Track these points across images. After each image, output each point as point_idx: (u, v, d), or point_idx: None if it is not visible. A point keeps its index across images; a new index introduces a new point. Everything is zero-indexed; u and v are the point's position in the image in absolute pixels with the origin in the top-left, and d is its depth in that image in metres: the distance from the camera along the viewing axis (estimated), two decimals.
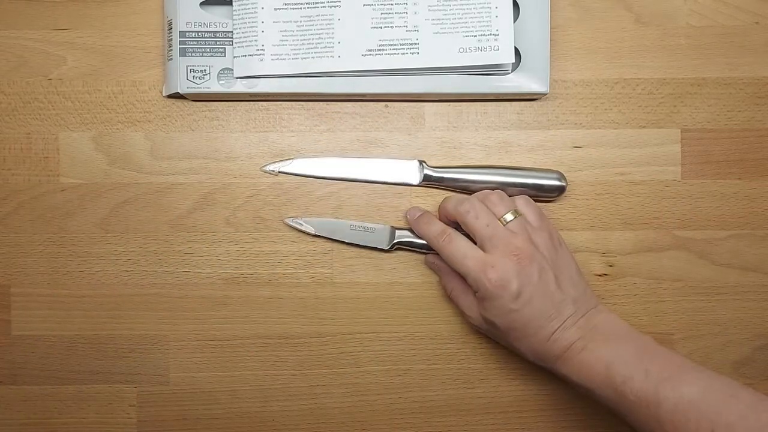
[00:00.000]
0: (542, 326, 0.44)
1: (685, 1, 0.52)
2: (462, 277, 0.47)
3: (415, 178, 0.52)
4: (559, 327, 0.44)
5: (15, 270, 0.52)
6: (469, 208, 0.46)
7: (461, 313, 0.49)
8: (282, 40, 0.49)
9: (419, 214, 0.50)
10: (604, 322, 0.45)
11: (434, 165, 0.52)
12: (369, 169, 0.52)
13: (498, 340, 0.49)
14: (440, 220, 0.49)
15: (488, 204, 0.47)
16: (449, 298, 0.51)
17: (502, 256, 0.44)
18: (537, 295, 0.44)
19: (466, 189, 0.51)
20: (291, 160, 0.52)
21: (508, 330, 0.45)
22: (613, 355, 0.42)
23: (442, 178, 0.51)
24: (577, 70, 0.52)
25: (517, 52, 0.49)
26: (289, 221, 0.52)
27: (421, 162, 0.51)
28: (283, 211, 0.52)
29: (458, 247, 0.46)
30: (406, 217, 0.51)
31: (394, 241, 0.51)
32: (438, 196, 0.52)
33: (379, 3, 0.49)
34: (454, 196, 0.49)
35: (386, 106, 0.52)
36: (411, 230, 0.51)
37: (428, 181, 0.51)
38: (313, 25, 0.49)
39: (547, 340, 0.44)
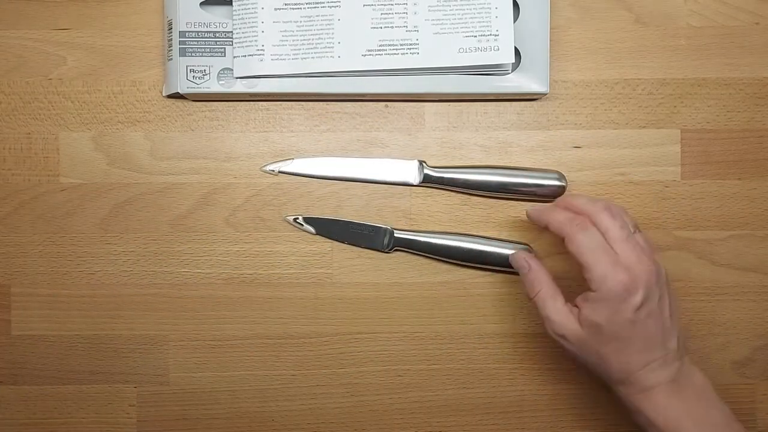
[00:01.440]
0: (646, 349, 0.43)
1: (685, 1, 0.52)
2: (551, 281, 0.46)
3: (415, 179, 0.51)
4: (660, 357, 0.43)
5: (15, 270, 0.52)
6: (606, 207, 0.44)
7: (545, 319, 0.45)
8: (282, 40, 0.49)
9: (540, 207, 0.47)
10: (699, 377, 0.44)
11: (434, 165, 0.52)
12: (369, 169, 0.52)
13: (579, 353, 0.45)
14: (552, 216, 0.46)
15: (616, 211, 0.44)
16: (530, 300, 0.47)
17: (636, 263, 0.42)
18: (654, 316, 0.42)
19: (466, 189, 0.51)
20: (291, 160, 0.51)
21: (610, 339, 0.43)
22: (701, 417, 0.42)
23: (442, 178, 0.51)
24: (577, 71, 0.52)
25: (517, 53, 0.49)
26: (290, 220, 0.52)
27: (421, 162, 0.51)
28: (283, 211, 0.52)
29: (593, 236, 0.43)
30: (527, 212, 0.47)
31: (394, 242, 0.51)
32: (438, 196, 0.52)
33: (379, 3, 0.49)
34: (582, 194, 0.48)
35: (386, 106, 0.52)
36: (411, 230, 0.51)
37: (428, 182, 0.51)
38: (313, 25, 0.49)
39: (645, 366, 0.43)
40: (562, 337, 0.45)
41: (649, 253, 0.43)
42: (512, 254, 0.49)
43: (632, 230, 0.44)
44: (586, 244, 0.43)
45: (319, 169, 0.52)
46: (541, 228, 0.47)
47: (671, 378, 0.43)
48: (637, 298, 0.42)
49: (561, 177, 0.50)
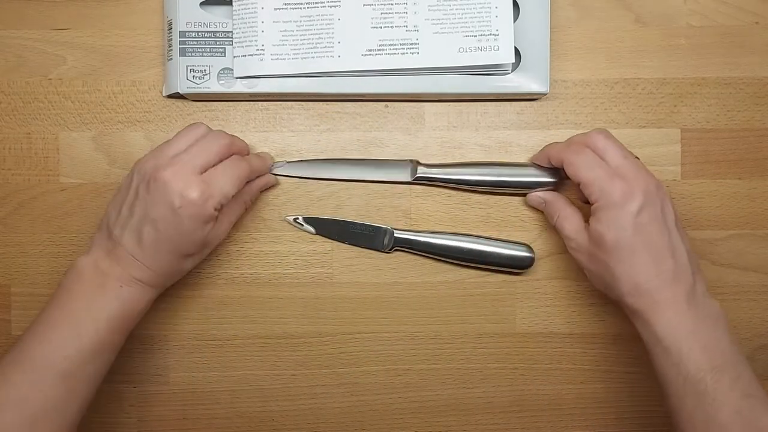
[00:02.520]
0: (654, 259, 0.43)
1: (685, 1, 0.52)
2: (568, 205, 0.48)
3: (407, 177, 0.51)
4: (670, 269, 0.43)
5: (15, 270, 0.52)
6: (602, 132, 0.46)
7: (565, 239, 0.48)
8: (282, 40, 0.49)
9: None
10: (716, 307, 0.43)
11: (429, 163, 0.51)
12: (361, 171, 0.52)
13: (593, 268, 0.46)
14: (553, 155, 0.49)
15: (611, 136, 0.46)
16: (554, 227, 0.49)
17: (634, 173, 0.43)
18: (657, 223, 0.43)
19: (461, 186, 0.51)
20: (283, 162, 0.52)
21: (614, 247, 0.43)
22: (711, 344, 0.41)
23: (435, 178, 0.51)
24: (576, 70, 0.52)
25: (516, 52, 0.49)
26: (290, 220, 0.52)
27: (413, 161, 0.51)
28: (283, 211, 0.52)
29: (589, 157, 0.45)
30: (530, 160, 0.51)
31: (394, 242, 0.51)
32: (438, 196, 0.52)
33: (379, 3, 0.49)
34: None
35: (386, 106, 0.52)
36: (411, 230, 0.51)
37: (421, 181, 0.51)
38: (313, 25, 0.49)
39: (655, 277, 0.42)
40: (577, 251, 0.47)
41: (646, 170, 0.45)
42: (528, 196, 0.51)
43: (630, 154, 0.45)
44: (582, 162, 0.45)
45: (312, 171, 0.52)
46: (544, 164, 0.50)
47: (685, 297, 0.42)
48: (636, 202, 0.43)
49: (556, 173, 0.50)
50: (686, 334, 0.41)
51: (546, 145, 0.50)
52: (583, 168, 0.45)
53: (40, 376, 0.40)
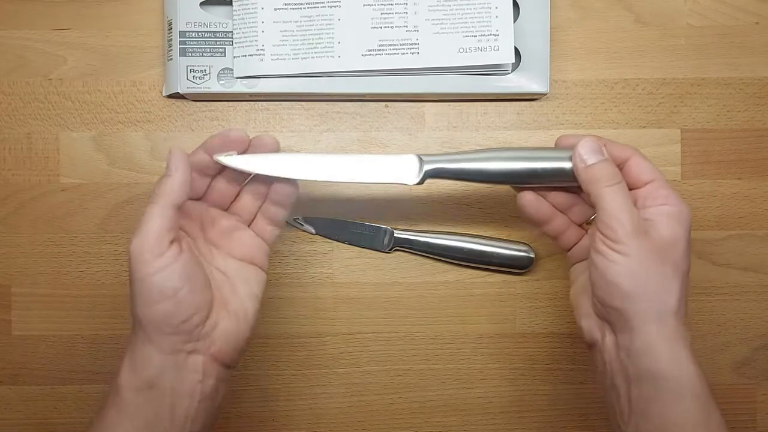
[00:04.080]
0: (679, 290, 0.38)
1: (685, 1, 0.52)
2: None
3: (413, 178, 0.42)
4: (677, 310, 0.38)
5: (15, 270, 0.52)
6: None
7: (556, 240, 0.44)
8: (282, 40, 0.49)
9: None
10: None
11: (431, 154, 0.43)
12: (355, 170, 0.42)
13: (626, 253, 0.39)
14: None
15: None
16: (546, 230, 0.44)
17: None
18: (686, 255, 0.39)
19: (473, 178, 0.43)
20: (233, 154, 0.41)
21: (667, 244, 0.38)
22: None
23: (445, 169, 0.42)
24: (577, 70, 0.52)
25: (517, 52, 0.49)
26: (290, 220, 0.52)
27: (419, 157, 0.42)
28: None
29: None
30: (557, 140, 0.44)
31: (394, 242, 0.51)
32: (438, 196, 0.52)
33: (379, 3, 0.49)
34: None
35: (386, 106, 0.52)
36: (411, 230, 0.51)
37: (431, 178, 0.42)
38: (313, 25, 0.49)
39: (673, 313, 0.38)
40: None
41: None
42: (581, 143, 0.40)
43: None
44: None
45: (286, 168, 0.42)
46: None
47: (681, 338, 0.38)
48: (688, 225, 0.39)
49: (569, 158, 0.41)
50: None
51: (585, 139, 0.41)
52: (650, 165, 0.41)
53: None
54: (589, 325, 0.41)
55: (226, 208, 0.44)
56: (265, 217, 0.44)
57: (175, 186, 0.38)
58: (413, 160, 0.42)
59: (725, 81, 0.52)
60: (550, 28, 0.50)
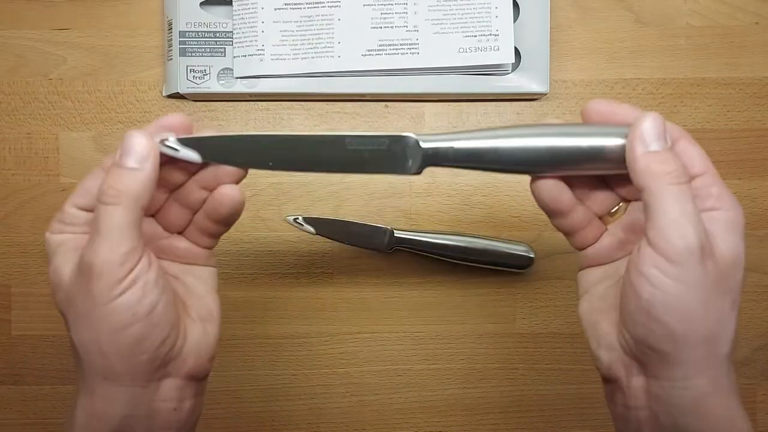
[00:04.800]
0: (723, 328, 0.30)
1: (685, 1, 0.52)
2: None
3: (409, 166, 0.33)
4: (730, 352, 0.30)
5: (15, 270, 0.52)
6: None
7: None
8: (282, 40, 0.49)
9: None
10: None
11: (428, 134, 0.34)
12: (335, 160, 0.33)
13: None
14: None
15: None
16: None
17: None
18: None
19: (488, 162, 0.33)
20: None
21: (729, 266, 0.30)
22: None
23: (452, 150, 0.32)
24: (577, 70, 0.52)
25: (517, 52, 0.49)
26: (290, 220, 0.52)
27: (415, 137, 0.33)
28: (282, 211, 0.52)
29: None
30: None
31: (394, 242, 0.51)
32: (438, 196, 0.52)
33: (379, 3, 0.49)
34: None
35: (386, 106, 0.52)
36: (411, 230, 0.51)
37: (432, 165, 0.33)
38: (313, 25, 0.49)
39: (725, 354, 0.30)
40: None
41: None
42: (646, 120, 0.30)
43: None
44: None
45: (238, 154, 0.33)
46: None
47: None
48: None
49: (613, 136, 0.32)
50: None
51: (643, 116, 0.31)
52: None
53: None
54: (611, 359, 0.32)
55: (153, 214, 0.34)
56: (199, 229, 0.34)
57: (146, 183, 0.30)
58: (407, 142, 0.32)
59: (725, 81, 0.52)
60: (550, 28, 0.50)
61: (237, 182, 0.33)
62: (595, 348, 0.33)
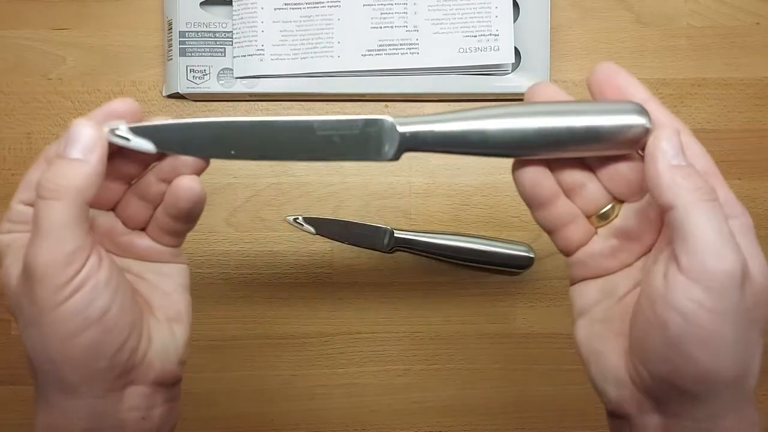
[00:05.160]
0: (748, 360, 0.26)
1: (686, 1, 0.52)
2: None
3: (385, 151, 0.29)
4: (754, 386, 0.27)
5: None
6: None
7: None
8: (282, 40, 0.49)
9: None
10: None
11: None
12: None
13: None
14: None
15: None
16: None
17: None
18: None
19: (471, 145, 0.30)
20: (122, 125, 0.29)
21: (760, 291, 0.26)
22: None
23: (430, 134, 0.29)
24: (577, 71, 0.52)
25: (517, 52, 0.49)
26: (290, 220, 0.52)
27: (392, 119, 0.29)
28: (282, 211, 0.52)
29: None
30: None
31: (394, 242, 0.51)
32: (438, 196, 0.52)
33: (379, 3, 0.49)
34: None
35: (386, 106, 0.52)
36: (411, 230, 0.51)
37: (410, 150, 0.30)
38: (312, 25, 0.49)
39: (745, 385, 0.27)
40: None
41: None
42: (665, 136, 0.26)
43: None
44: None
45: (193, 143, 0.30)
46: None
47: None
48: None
49: (642, 111, 0.28)
50: None
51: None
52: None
53: None
54: (621, 397, 0.28)
55: (112, 208, 0.32)
56: (159, 227, 0.32)
57: (91, 176, 0.27)
58: (383, 125, 0.29)
59: (725, 81, 0.52)
60: (551, 28, 0.50)
61: (197, 173, 0.30)
62: (600, 382, 0.29)
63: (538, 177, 0.29)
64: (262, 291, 0.52)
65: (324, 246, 0.52)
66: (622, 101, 0.28)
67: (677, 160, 0.26)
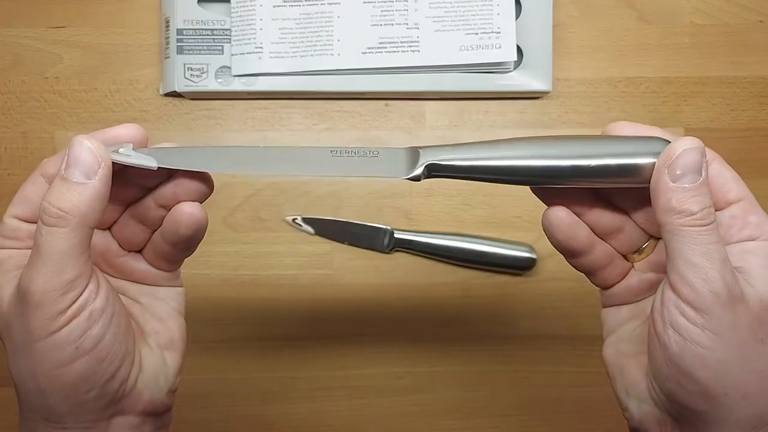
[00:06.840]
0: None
1: None
2: None
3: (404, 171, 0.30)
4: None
5: None
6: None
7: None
8: (281, 38, 0.49)
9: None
10: None
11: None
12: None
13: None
14: None
15: None
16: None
17: None
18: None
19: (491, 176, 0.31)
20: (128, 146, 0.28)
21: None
22: None
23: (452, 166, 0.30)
24: (579, 69, 0.51)
25: (519, 50, 0.49)
26: (289, 221, 0.51)
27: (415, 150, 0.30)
28: (281, 211, 0.52)
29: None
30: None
31: (394, 242, 0.51)
32: (438, 196, 0.52)
33: (380, 0, 0.48)
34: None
35: (386, 104, 0.52)
36: (411, 230, 0.51)
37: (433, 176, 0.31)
38: (312, 22, 0.48)
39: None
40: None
41: None
42: (682, 147, 0.26)
43: None
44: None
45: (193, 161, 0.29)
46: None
47: None
48: None
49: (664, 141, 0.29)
50: None
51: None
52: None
53: None
54: (643, 414, 0.29)
55: (108, 227, 0.31)
56: (155, 252, 0.31)
57: (94, 200, 0.26)
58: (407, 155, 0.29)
59: (729, 80, 0.51)
60: (553, 26, 0.49)
61: (200, 201, 0.29)
62: (624, 398, 0.30)
63: (573, 230, 0.30)
64: (261, 292, 0.52)
65: (323, 246, 0.52)
66: (653, 137, 0.29)
67: (686, 180, 0.26)
